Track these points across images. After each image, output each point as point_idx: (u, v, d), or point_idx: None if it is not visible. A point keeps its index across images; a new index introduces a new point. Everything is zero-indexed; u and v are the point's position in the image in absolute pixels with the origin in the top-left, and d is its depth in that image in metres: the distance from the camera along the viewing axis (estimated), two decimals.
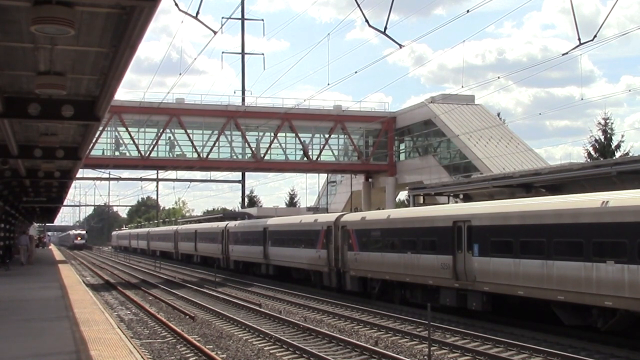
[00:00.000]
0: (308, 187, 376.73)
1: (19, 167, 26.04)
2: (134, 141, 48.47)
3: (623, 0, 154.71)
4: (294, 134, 51.69)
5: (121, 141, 48.78)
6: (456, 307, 22.18)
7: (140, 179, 65.07)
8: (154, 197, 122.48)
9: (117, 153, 48.86)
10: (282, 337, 18.11)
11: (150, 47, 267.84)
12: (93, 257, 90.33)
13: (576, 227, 17.31)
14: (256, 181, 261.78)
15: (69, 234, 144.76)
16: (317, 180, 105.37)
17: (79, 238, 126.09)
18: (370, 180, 57.97)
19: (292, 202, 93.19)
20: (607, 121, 47.94)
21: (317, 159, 52.26)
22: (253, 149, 50.59)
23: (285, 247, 37.01)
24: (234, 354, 16.38)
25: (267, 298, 30.28)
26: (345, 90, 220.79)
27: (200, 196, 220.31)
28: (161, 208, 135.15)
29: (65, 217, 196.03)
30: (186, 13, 16.38)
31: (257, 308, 25.27)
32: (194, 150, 49.77)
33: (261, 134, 51.46)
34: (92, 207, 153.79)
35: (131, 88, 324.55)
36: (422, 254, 23.62)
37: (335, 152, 54.01)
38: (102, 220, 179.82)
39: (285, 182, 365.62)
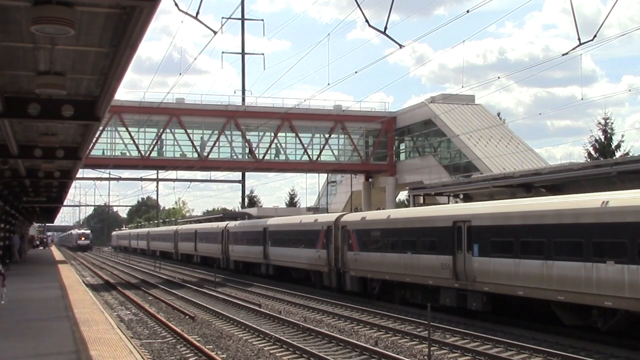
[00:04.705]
0: (308, 187, 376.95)
1: (19, 167, 26.05)
2: (134, 141, 48.49)
3: (624, 0, 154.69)
4: (294, 134, 51.71)
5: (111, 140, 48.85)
6: (456, 307, 22.17)
7: (141, 179, 65.11)
8: (154, 197, 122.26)
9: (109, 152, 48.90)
10: (282, 337, 18.11)
11: (151, 47, 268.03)
12: (93, 257, 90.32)
13: (576, 227, 17.31)
14: (256, 181, 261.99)
15: (72, 234, 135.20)
16: (317, 180, 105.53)
17: (83, 238, 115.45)
18: (370, 180, 57.98)
19: (292, 202, 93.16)
20: (607, 121, 48.03)
21: (317, 159, 52.29)
22: (252, 149, 50.56)
23: (285, 247, 37.00)
24: (234, 354, 16.38)
25: (267, 298, 30.27)
26: (345, 90, 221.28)
27: (200, 196, 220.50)
28: (161, 208, 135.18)
29: (65, 217, 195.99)
30: (186, 13, 16.41)
31: (257, 308, 25.26)
32: (194, 150, 49.82)
33: (261, 134, 51.49)
34: (92, 207, 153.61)
35: (132, 88, 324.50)
36: (422, 254, 23.61)
37: (335, 152, 54.03)
38: (102, 221, 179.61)
39: (286, 182, 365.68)
